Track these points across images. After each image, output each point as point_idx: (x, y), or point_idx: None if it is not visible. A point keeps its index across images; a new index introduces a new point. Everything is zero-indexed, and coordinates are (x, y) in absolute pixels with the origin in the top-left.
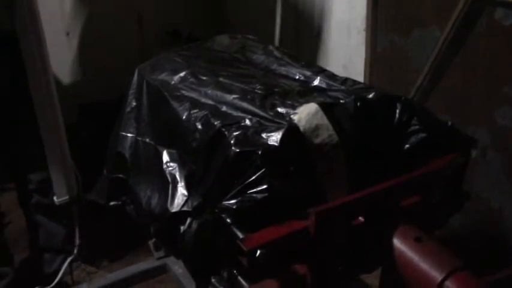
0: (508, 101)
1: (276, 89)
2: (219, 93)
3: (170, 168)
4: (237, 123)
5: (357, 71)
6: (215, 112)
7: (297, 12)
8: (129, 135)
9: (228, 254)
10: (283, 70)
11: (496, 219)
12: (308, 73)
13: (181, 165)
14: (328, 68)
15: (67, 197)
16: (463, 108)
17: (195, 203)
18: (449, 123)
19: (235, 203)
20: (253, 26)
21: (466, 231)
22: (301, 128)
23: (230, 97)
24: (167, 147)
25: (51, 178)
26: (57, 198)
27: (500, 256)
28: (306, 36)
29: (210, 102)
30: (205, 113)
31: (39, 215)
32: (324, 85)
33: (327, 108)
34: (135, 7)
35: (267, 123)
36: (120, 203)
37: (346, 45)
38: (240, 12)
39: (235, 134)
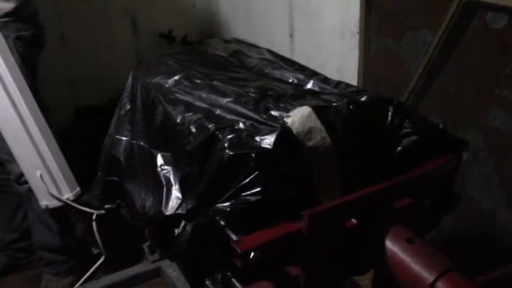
0: (500, 102)
1: (270, 92)
2: (213, 96)
3: (164, 171)
4: (231, 126)
5: (350, 74)
6: (209, 115)
7: (290, 15)
8: (123, 138)
9: (222, 256)
10: (276, 73)
11: (488, 221)
12: (301, 76)
13: (176, 168)
14: (321, 71)
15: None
16: (455, 110)
17: (189, 206)
18: (441, 125)
19: (229, 205)
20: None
21: (458, 233)
22: (295, 131)
23: (224, 100)
24: (161, 150)
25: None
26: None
27: (492, 258)
28: (299, 39)
29: (204, 105)
30: (200, 116)
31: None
32: (317, 88)
33: (320, 111)
34: (129, 10)
35: (261, 126)
36: (114, 205)
37: (339, 49)
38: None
39: (229, 137)
